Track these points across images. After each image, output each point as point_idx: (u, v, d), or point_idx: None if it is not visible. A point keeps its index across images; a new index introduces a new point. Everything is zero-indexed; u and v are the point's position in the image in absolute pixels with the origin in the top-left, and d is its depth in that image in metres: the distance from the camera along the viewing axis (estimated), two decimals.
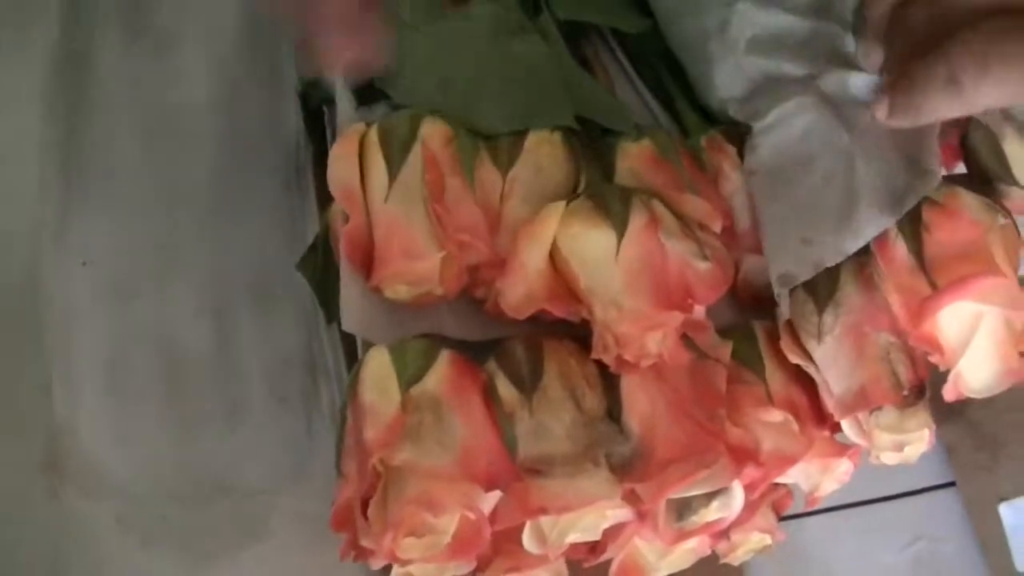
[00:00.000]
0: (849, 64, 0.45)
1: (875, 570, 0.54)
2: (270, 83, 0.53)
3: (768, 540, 0.44)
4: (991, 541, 0.53)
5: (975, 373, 0.41)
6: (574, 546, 0.41)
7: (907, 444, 0.43)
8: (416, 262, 0.38)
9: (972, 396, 0.42)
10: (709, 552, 0.44)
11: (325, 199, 0.50)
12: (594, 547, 0.43)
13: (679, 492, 0.39)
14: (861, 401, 0.41)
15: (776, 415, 0.42)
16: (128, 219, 0.50)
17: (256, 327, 0.50)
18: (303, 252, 0.46)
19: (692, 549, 0.43)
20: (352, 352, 0.49)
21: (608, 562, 0.44)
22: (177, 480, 0.47)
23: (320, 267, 0.45)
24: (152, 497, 0.46)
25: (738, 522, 0.42)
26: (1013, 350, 0.42)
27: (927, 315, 0.40)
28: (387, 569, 0.37)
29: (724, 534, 0.43)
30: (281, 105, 0.53)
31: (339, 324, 0.39)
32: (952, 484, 0.54)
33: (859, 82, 0.45)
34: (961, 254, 0.41)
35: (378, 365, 0.37)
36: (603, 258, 0.38)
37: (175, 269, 0.50)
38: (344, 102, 0.43)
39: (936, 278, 0.41)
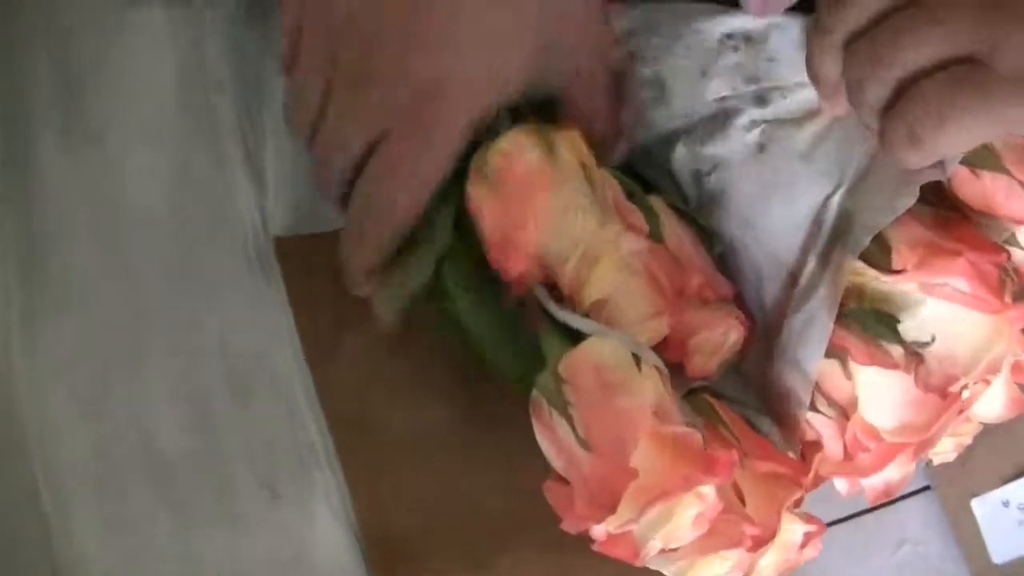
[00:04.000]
0: None
1: None
2: (216, 166, 0.53)
3: None
4: (967, 538, 0.56)
5: (989, 403, 0.45)
6: None
7: None
8: None
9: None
10: None
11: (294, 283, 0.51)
12: None
13: None
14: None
15: None
16: (93, 320, 0.49)
17: (236, 412, 0.49)
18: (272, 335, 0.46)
19: None
20: (341, 438, 0.49)
21: None
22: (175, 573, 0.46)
23: None
24: None
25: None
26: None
27: None
28: None
29: None
30: (231, 187, 0.52)
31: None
32: (927, 488, 0.57)
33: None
34: None
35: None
36: None
37: (147, 364, 0.49)
38: None
39: None
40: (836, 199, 0.46)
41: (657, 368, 0.42)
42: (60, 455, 0.46)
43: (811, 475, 0.47)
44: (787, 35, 0.47)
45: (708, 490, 0.40)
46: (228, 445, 0.48)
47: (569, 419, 0.41)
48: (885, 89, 0.37)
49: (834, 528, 0.55)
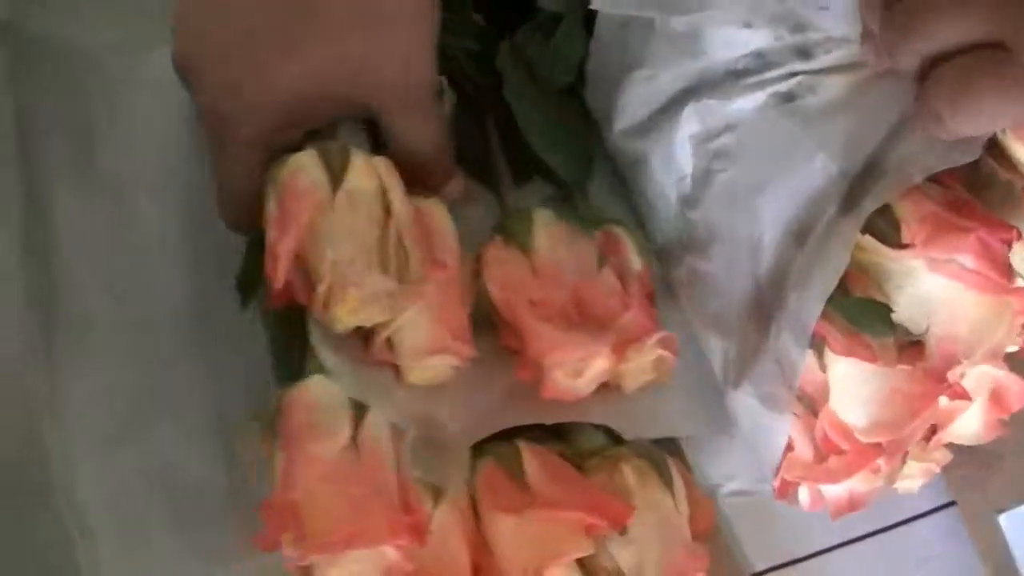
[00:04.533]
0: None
1: None
2: None
3: None
4: (994, 554, 0.55)
5: (966, 424, 0.45)
6: None
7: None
8: None
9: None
10: None
11: None
12: None
13: None
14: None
15: None
16: (114, 367, 0.50)
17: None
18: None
19: None
20: None
21: None
22: None
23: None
24: None
25: None
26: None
27: None
28: None
29: None
30: None
31: None
32: (952, 504, 0.56)
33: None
34: None
35: None
36: None
37: (169, 408, 0.50)
38: None
39: None
40: (870, 147, 0.45)
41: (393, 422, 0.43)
42: (85, 497, 0.47)
43: (776, 482, 0.47)
44: None
45: (388, 550, 0.40)
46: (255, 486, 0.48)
47: (273, 449, 0.42)
48: (915, 59, 0.39)
49: (857, 544, 0.54)
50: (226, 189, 0.48)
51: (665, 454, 0.46)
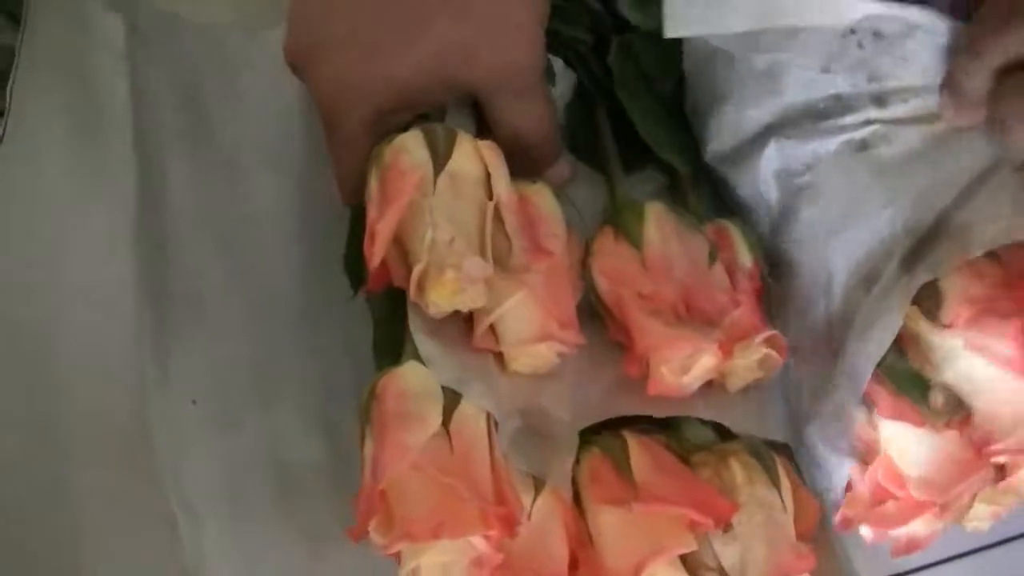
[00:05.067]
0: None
1: None
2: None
3: None
4: None
5: None
6: None
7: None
8: None
9: None
10: None
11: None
12: None
13: None
14: None
15: None
16: (224, 345, 0.50)
17: None
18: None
19: None
20: None
21: None
22: None
23: None
24: None
25: None
26: None
27: None
28: None
29: None
30: None
31: None
32: None
33: None
34: None
35: None
36: None
37: (278, 388, 0.49)
38: None
39: None
40: (938, 207, 0.44)
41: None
42: (196, 487, 0.46)
43: (838, 516, 0.46)
44: (931, 38, 0.44)
45: (477, 541, 0.39)
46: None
47: (366, 436, 0.41)
48: (987, 77, 0.40)
49: (965, 559, 0.52)
50: (342, 170, 0.48)
51: (773, 452, 0.45)
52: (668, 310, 0.45)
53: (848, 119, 0.47)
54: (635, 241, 0.47)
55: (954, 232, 0.44)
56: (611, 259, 0.47)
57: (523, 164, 0.47)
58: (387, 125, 0.46)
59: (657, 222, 0.47)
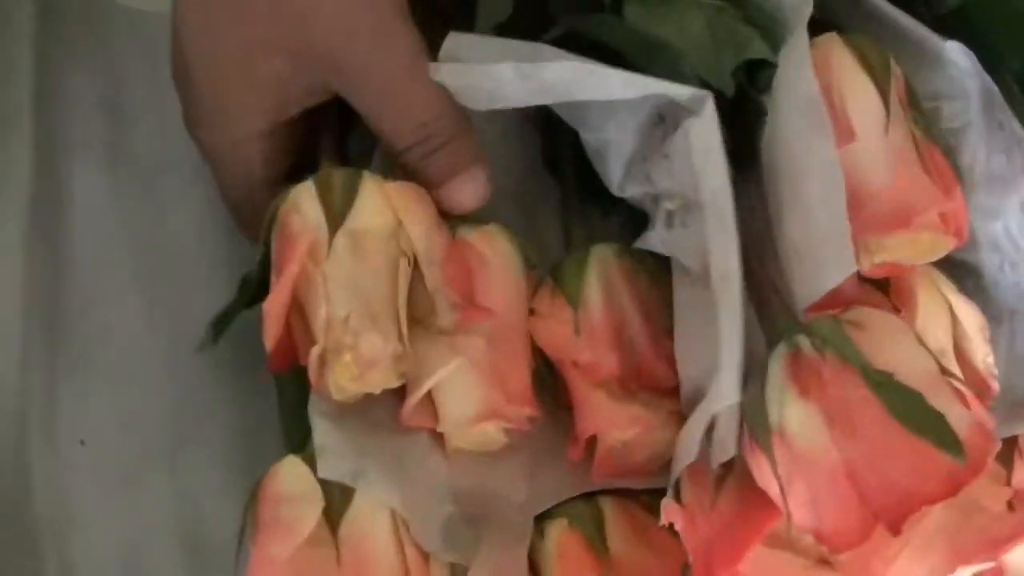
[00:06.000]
0: None
1: None
2: None
3: None
4: None
5: None
6: None
7: None
8: None
9: None
10: None
11: None
12: None
13: None
14: None
15: None
16: (130, 383, 0.45)
17: None
18: None
19: None
20: None
21: None
22: None
23: None
24: None
25: None
26: None
27: None
28: None
29: None
30: None
31: None
32: None
33: None
34: None
35: None
36: None
37: (192, 441, 0.45)
38: None
39: None
40: None
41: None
42: (82, 553, 0.42)
43: None
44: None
45: None
46: None
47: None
48: None
49: None
50: (231, 199, 0.44)
51: None
52: (613, 381, 0.39)
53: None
54: (572, 299, 0.41)
55: None
56: (548, 321, 0.41)
57: (416, 172, 0.40)
58: (287, 145, 0.41)
59: (601, 274, 0.41)
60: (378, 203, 0.38)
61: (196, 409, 0.45)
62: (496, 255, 0.40)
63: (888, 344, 0.34)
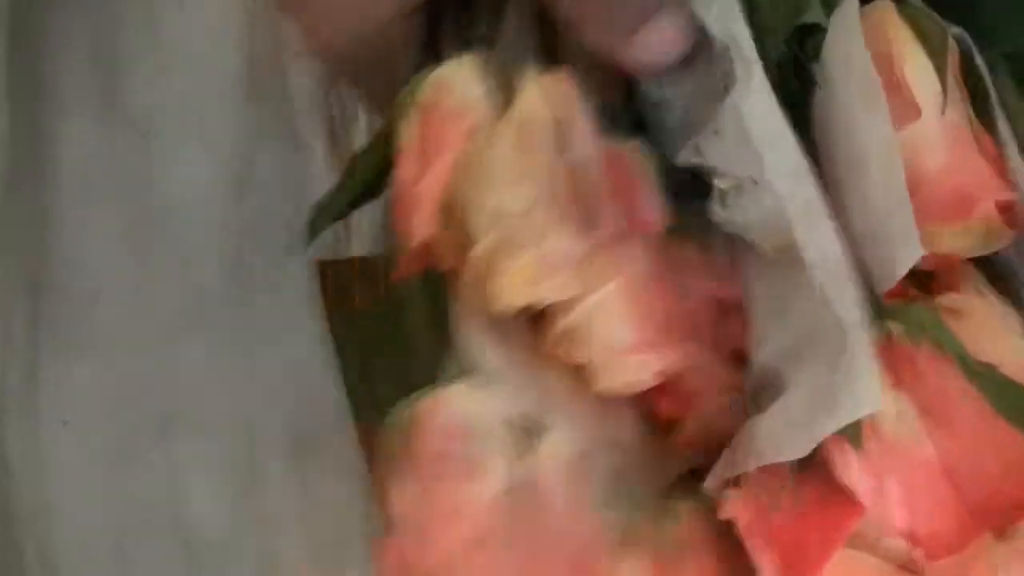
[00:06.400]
0: None
1: None
2: (287, 170, 0.47)
3: None
4: None
5: None
6: None
7: None
8: None
9: None
10: None
11: None
12: None
13: None
14: None
15: None
16: (118, 359, 0.43)
17: (296, 488, 0.43)
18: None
19: None
20: None
21: None
22: None
23: None
24: None
25: None
26: None
27: None
28: None
29: None
30: (306, 196, 0.45)
31: None
32: None
33: None
34: None
35: None
36: None
37: (184, 418, 0.43)
38: None
39: None
40: None
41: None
42: (62, 537, 0.41)
43: None
44: None
45: None
46: (283, 530, 0.43)
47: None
48: None
49: None
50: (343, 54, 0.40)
51: None
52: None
53: None
54: None
55: None
56: None
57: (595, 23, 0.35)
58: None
59: None
60: (538, 96, 0.35)
61: (189, 388, 0.44)
62: (639, 172, 0.36)
63: (989, 334, 0.33)
